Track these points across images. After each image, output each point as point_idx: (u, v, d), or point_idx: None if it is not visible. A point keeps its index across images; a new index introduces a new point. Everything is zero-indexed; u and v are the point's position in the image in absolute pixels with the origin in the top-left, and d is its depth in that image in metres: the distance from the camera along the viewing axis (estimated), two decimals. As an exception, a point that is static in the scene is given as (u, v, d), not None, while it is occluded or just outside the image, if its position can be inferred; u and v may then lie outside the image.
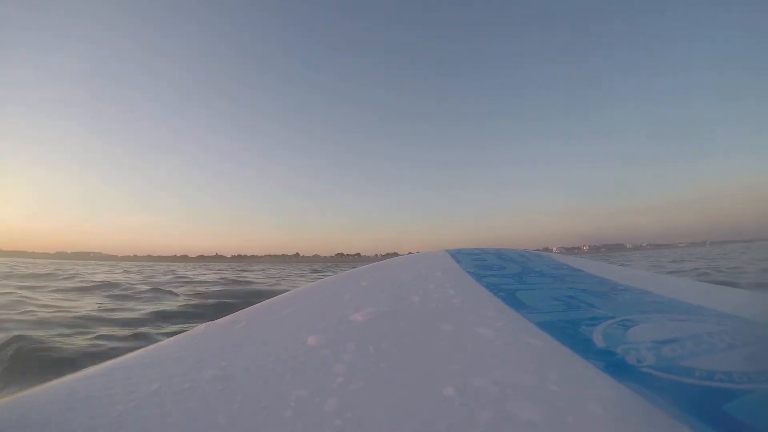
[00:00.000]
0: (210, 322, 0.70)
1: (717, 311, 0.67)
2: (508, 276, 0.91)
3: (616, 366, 0.45)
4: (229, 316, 0.72)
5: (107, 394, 0.46)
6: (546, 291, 0.79)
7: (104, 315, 3.32)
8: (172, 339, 0.65)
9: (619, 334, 0.55)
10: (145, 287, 5.66)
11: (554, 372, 0.44)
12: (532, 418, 0.37)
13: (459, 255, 1.15)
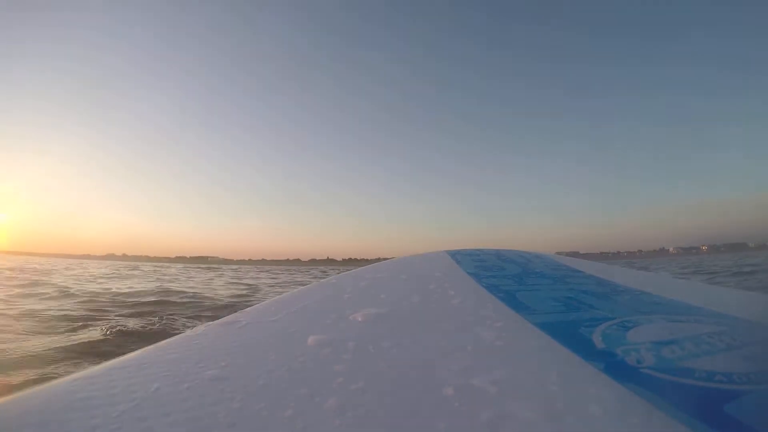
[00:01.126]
0: (210, 322, 0.70)
1: (717, 312, 0.67)
2: (508, 277, 0.91)
3: (615, 367, 0.45)
4: (229, 316, 0.72)
5: (107, 394, 0.46)
6: (546, 292, 0.79)
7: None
8: (172, 339, 0.65)
9: (619, 335, 0.55)
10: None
11: (554, 373, 0.44)
12: (532, 418, 0.37)
13: (459, 256, 1.15)
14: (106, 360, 0.58)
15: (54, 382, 0.51)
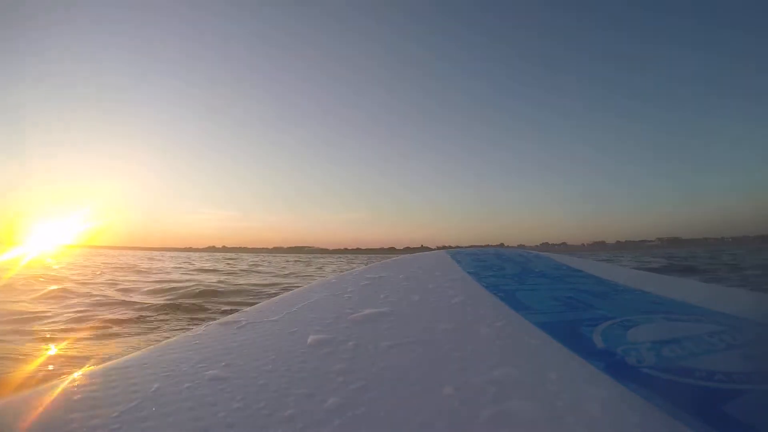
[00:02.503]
0: (210, 322, 0.70)
1: (717, 312, 0.67)
2: (508, 276, 0.91)
3: (615, 366, 0.45)
4: (229, 316, 0.73)
5: (107, 394, 0.46)
6: (546, 291, 0.79)
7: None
8: (172, 339, 0.65)
9: (619, 334, 0.55)
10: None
11: (554, 372, 0.44)
12: (532, 418, 0.37)
13: (459, 255, 1.15)
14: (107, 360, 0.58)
15: (54, 382, 0.51)
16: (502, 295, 0.74)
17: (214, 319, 0.74)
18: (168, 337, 0.68)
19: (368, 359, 0.51)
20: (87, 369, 0.55)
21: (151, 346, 0.62)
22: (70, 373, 0.54)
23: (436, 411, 0.39)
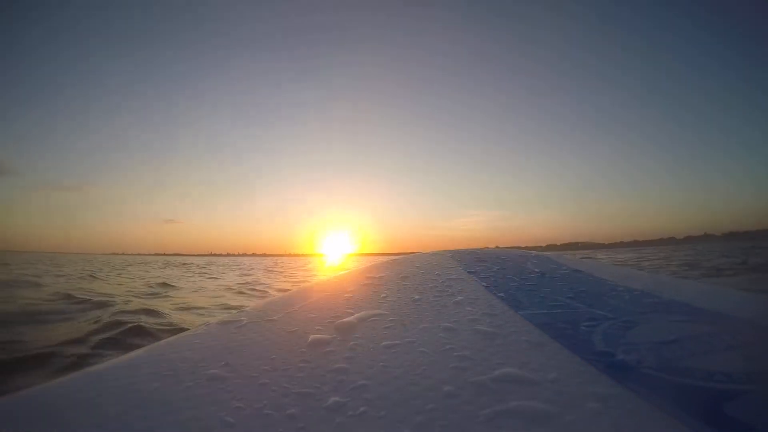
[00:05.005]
0: (210, 322, 0.70)
1: (717, 312, 0.67)
2: (509, 276, 0.91)
3: (615, 367, 0.45)
4: (229, 316, 0.73)
5: (107, 393, 0.46)
6: (546, 291, 0.79)
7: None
8: (172, 338, 0.65)
9: (619, 334, 0.55)
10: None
11: (553, 372, 0.44)
12: (532, 418, 0.37)
13: (460, 255, 1.15)
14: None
15: (54, 382, 0.51)
16: (502, 295, 0.74)
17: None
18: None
19: (368, 359, 0.51)
20: (87, 368, 0.55)
21: (152, 346, 0.62)
22: (70, 373, 0.54)
23: (437, 410, 0.39)
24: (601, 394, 0.40)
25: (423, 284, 0.84)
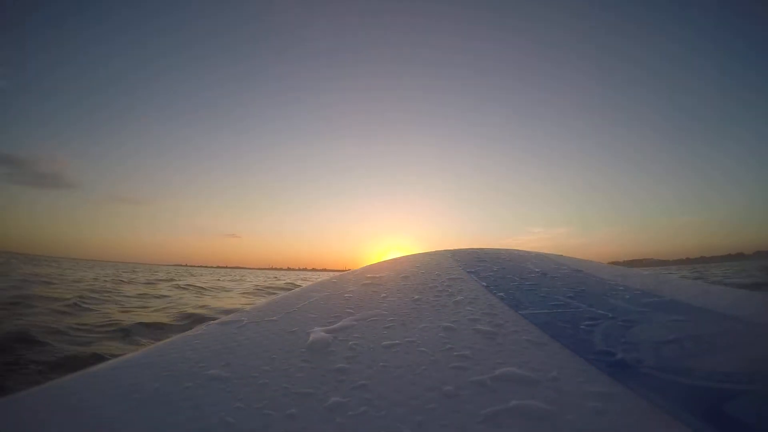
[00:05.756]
0: (210, 322, 0.70)
1: (717, 312, 0.67)
2: (509, 276, 0.91)
3: (615, 366, 0.45)
4: (229, 316, 0.73)
5: (107, 394, 0.46)
6: (546, 291, 0.79)
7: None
8: (172, 339, 0.65)
9: (619, 334, 0.55)
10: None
11: (554, 372, 0.44)
12: (532, 417, 0.37)
13: (459, 255, 1.15)
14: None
15: (54, 382, 0.51)
16: (502, 295, 0.74)
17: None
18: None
19: (368, 359, 0.51)
20: (87, 369, 0.55)
21: (152, 346, 0.62)
22: (70, 373, 0.54)
23: (437, 410, 0.39)
24: (601, 394, 0.40)
25: (423, 284, 0.84)
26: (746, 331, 0.58)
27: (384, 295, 0.78)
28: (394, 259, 1.18)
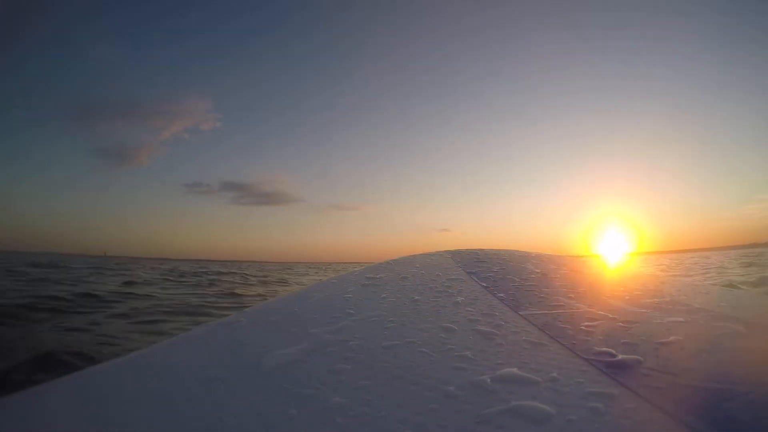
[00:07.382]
0: (210, 322, 0.70)
1: (717, 312, 0.67)
2: (509, 276, 0.91)
3: (615, 366, 0.45)
4: (229, 316, 0.73)
5: (107, 394, 0.46)
6: (546, 291, 0.79)
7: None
8: (172, 339, 0.65)
9: (619, 334, 0.55)
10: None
11: (554, 371, 0.44)
12: (532, 417, 0.37)
13: (459, 255, 1.16)
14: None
15: (54, 382, 0.51)
16: (502, 296, 0.74)
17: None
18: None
19: (369, 359, 0.51)
20: (87, 368, 0.55)
21: (152, 346, 0.62)
22: (70, 373, 0.54)
23: (437, 411, 0.39)
24: (601, 394, 0.40)
25: (423, 285, 0.84)
26: (746, 331, 0.58)
27: (384, 295, 0.78)
28: (394, 259, 1.18)
